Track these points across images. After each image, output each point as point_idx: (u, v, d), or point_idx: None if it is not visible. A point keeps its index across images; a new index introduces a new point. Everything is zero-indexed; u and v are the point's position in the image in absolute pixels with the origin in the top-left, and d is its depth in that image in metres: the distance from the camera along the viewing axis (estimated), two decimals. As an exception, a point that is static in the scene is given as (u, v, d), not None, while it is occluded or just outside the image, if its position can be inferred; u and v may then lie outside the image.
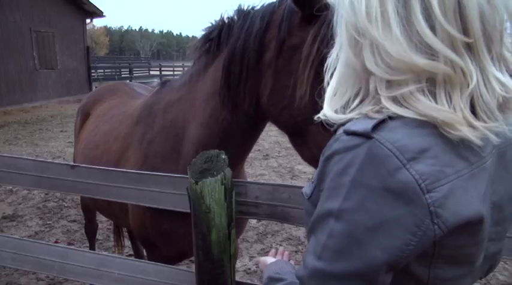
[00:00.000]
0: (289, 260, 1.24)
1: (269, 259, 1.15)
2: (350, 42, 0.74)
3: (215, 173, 1.38)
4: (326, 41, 1.30)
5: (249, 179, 2.18)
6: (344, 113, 0.76)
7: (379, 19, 0.68)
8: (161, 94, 1.98)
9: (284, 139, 8.69)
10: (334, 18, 0.79)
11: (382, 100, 0.70)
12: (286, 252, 1.27)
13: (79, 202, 3.91)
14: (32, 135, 9.34)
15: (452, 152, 0.66)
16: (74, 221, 4.60)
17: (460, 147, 0.67)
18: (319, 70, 1.31)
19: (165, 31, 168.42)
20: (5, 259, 2.00)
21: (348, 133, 0.70)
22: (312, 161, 1.49)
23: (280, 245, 4.02)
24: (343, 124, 0.75)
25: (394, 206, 0.64)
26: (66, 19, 16.23)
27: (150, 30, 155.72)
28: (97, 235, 3.93)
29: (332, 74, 0.81)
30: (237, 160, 1.77)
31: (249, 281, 1.82)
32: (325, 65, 0.83)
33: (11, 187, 5.41)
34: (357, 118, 0.73)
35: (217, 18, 1.69)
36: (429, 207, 0.63)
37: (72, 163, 1.87)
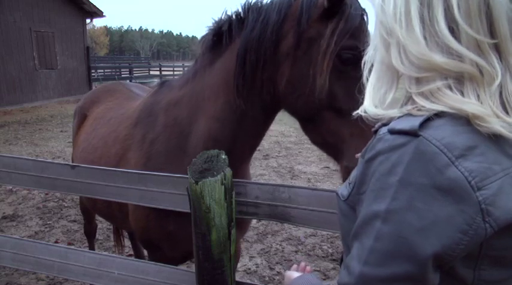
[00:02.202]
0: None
1: (294, 274, 1.13)
2: (382, 40, 0.77)
3: (215, 173, 1.37)
4: (343, 35, 1.40)
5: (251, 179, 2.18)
6: (382, 108, 0.77)
7: (403, 19, 0.71)
8: (161, 95, 1.97)
9: (284, 139, 8.71)
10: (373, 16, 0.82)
11: (413, 96, 0.72)
12: (308, 267, 1.26)
13: (79, 202, 3.91)
14: (32, 135, 9.34)
15: (498, 150, 0.66)
16: (74, 221, 4.60)
17: (505, 145, 0.67)
18: (336, 61, 1.42)
19: (165, 31, 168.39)
20: (5, 259, 2.00)
21: (393, 132, 0.69)
22: (322, 145, 1.58)
23: (280, 245, 4.02)
24: (384, 124, 0.75)
25: (444, 205, 0.63)
26: (66, 19, 16.22)
27: (150, 30, 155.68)
28: (97, 235, 3.93)
29: (370, 71, 0.83)
30: (247, 152, 1.80)
31: (248, 281, 1.83)
32: (363, 61, 0.86)
33: (11, 187, 5.41)
34: (398, 117, 0.74)
35: (219, 16, 1.73)
36: (480, 205, 0.63)
37: (72, 163, 1.87)
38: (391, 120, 0.75)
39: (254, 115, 1.66)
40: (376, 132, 0.78)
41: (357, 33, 1.44)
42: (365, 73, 0.85)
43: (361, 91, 1.38)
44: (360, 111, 0.81)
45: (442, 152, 0.64)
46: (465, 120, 0.67)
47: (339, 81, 1.44)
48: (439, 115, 0.68)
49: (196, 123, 1.75)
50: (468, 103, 0.66)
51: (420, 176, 0.64)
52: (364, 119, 0.81)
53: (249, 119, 1.67)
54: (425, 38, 0.69)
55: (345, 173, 1.43)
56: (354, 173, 0.86)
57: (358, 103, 1.37)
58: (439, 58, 0.67)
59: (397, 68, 0.73)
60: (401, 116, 0.73)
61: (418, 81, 0.72)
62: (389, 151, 0.68)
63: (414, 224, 0.64)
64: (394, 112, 0.75)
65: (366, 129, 1.33)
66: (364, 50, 1.38)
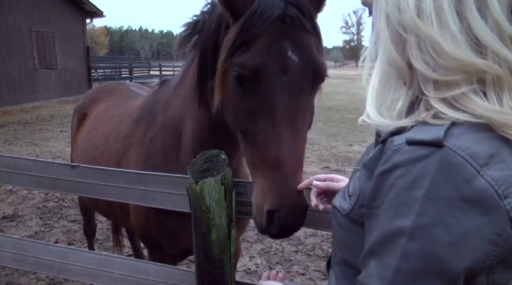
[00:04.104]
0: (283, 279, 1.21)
1: (270, 284, 1.08)
2: (393, 39, 0.71)
3: (215, 173, 1.37)
4: (233, 48, 1.22)
5: (249, 179, 2.18)
6: (391, 117, 0.72)
7: (433, 15, 0.65)
8: (160, 94, 1.99)
9: (284, 139, 8.69)
10: (373, 11, 0.75)
11: (432, 102, 0.67)
12: (280, 274, 1.22)
13: (78, 202, 3.91)
14: (32, 135, 9.34)
15: None
16: (74, 221, 4.60)
17: None
18: (230, 79, 1.25)
19: (165, 31, 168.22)
20: (5, 259, 2.00)
21: (413, 142, 0.65)
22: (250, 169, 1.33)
23: (280, 245, 4.02)
24: (392, 134, 0.71)
25: (473, 217, 0.61)
26: (66, 19, 16.22)
27: (150, 30, 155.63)
28: (97, 235, 3.93)
29: (369, 64, 0.77)
30: (230, 154, 1.71)
31: (248, 281, 1.82)
32: (361, 58, 0.80)
33: (11, 187, 5.41)
34: (412, 126, 0.69)
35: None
36: (509, 214, 0.61)
37: (72, 163, 1.87)
38: (401, 128, 0.71)
39: (221, 123, 1.50)
40: (384, 141, 0.74)
41: (256, 45, 1.18)
42: (365, 73, 0.78)
43: (263, 117, 1.18)
44: (365, 118, 0.75)
45: (468, 163, 0.61)
46: (484, 126, 0.64)
47: (239, 101, 1.26)
48: (456, 122, 0.65)
49: (185, 124, 1.74)
50: (497, 112, 0.63)
51: (447, 189, 0.61)
52: (366, 126, 0.77)
53: (219, 125, 1.53)
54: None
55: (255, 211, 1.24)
56: (354, 185, 0.82)
57: (262, 130, 1.19)
58: (475, 58, 0.63)
59: (419, 69, 0.68)
60: (414, 125, 0.69)
61: (438, 84, 0.67)
62: (409, 164, 0.64)
63: (444, 239, 0.61)
64: (405, 122, 0.70)
65: (270, 159, 1.18)
66: (264, 67, 1.15)
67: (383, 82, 0.74)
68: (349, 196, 0.83)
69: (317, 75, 1.25)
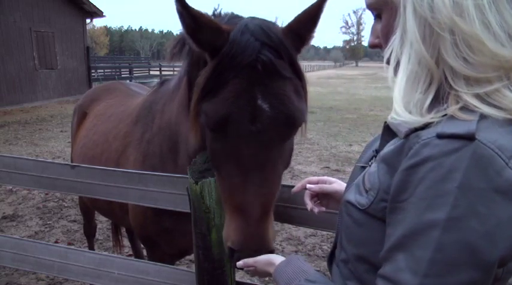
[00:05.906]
0: None
1: (275, 258, 1.06)
2: (423, 38, 0.72)
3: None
4: (204, 93, 1.17)
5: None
6: (418, 113, 0.73)
7: (474, 12, 0.66)
8: (159, 94, 1.98)
9: (284, 139, 8.69)
10: (401, 12, 0.76)
11: (465, 97, 0.69)
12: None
13: (78, 202, 3.91)
14: (32, 135, 9.33)
15: None
16: (74, 221, 4.60)
17: None
18: (199, 122, 1.22)
19: (165, 31, 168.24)
20: (5, 259, 2.00)
21: (444, 136, 0.67)
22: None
23: (280, 245, 4.01)
24: (416, 129, 0.72)
25: (504, 207, 0.64)
26: (66, 19, 16.21)
27: (150, 30, 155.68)
28: (97, 235, 3.93)
29: (394, 63, 0.78)
30: None
31: (249, 281, 1.82)
32: (385, 58, 0.80)
33: (11, 187, 5.41)
34: (438, 120, 0.71)
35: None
36: None
37: (72, 163, 1.87)
38: (426, 124, 0.72)
39: None
40: (407, 136, 0.74)
41: (224, 93, 1.12)
42: (390, 73, 0.79)
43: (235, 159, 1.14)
44: (394, 115, 0.75)
45: (498, 155, 0.64)
46: (508, 121, 0.67)
47: (211, 143, 1.24)
48: (483, 116, 0.68)
49: (180, 132, 1.70)
50: None
51: (480, 181, 0.64)
52: (390, 122, 0.78)
53: None
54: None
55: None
56: (372, 179, 0.82)
57: (229, 175, 1.17)
58: None
59: (452, 65, 0.69)
60: (440, 120, 0.70)
61: (469, 80, 0.69)
62: (441, 157, 0.66)
63: (478, 229, 0.63)
64: (432, 117, 0.71)
65: (236, 203, 1.17)
66: (230, 117, 1.10)
67: (410, 81, 0.75)
68: (366, 191, 0.83)
69: (291, 124, 1.18)
